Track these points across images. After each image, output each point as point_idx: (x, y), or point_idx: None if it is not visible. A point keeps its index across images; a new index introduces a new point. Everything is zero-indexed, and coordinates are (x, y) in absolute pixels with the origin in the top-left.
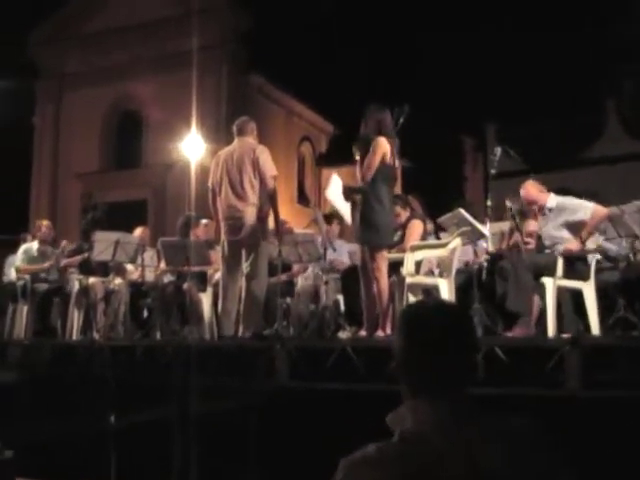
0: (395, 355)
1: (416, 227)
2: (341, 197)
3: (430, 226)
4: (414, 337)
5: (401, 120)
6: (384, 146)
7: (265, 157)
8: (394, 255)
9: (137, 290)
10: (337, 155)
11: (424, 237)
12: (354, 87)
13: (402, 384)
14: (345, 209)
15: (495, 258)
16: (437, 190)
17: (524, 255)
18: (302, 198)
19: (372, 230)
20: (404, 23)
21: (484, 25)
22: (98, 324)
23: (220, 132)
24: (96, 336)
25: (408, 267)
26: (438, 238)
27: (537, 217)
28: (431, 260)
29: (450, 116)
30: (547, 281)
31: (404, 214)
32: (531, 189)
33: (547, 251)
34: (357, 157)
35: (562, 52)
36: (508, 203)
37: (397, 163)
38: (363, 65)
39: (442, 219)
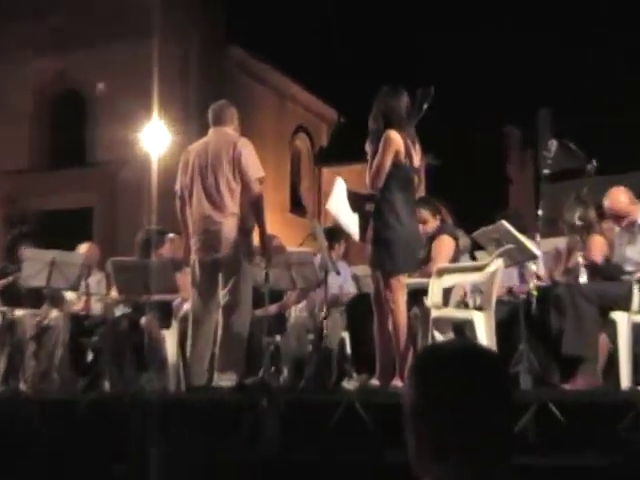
0: (405, 411)
1: (445, 244)
2: (347, 208)
3: (464, 242)
4: (431, 391)
5: (425, 106)
6: (396, 141)
7: (249, 153)
8: (415, 281)
9: (79, 326)
10: (342, 150)
11: (456, 257)
12: (364, 63)
13: (412, 448)
14: (352, 224)
15: (549, 285)
16: (472, 196)
17: (587, 282)
18: (296, 206)
19: (386, 250)
20: None
21: None
22: (26, 371)
23: (190, 120)
24: (22, 386)
25: (434, 296)
26: (473, 258)
27: (604, 233)
28: (464, 287)
29: (490, 100)
30: (619, 316)
31: (433, 222)
32: (621, 199)
33: (623, 278)
34: (369, 155)
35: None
36: (568, 213)
37: (417, 162)
38: (375, 34)
39: (478, 234)
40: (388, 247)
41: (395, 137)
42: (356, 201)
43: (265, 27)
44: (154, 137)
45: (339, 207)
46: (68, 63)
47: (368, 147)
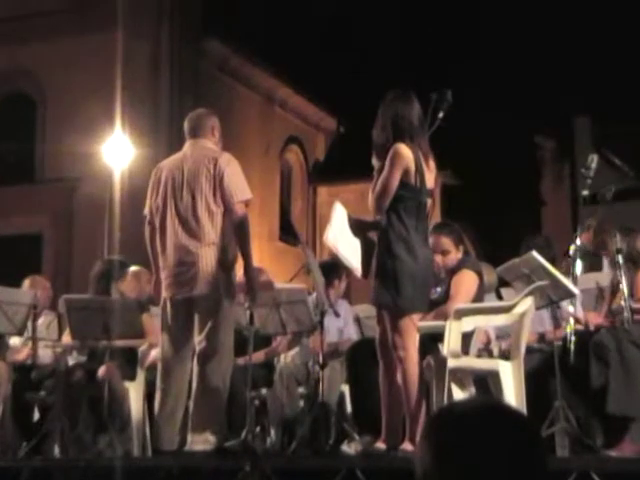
0: None
1: (466, 280)
2: (348, 239)
3: (489, 279)
4: (447, 459)
5: (441, 114)
6: (406, 157)
7: (233, 171)
8: (429, 324)
9: (25, 378)
10: (342, 165)
11: (479, 296)
12: (368, 62)
13: None
14: (354, 257)
15: (588, 330)
16: (497, 221)
17: (636, 326)
18: (287, 232)
19: (393, 285)
20: None
21: None
22: None
23: (159, 131)
24: None
25: (452, 343)
26: (499, 297)
27: None
28: (488, 332)
29: (518, 106)
30: None
31: (455, 254)
32: None
33: None
34: (375, 171)
35: None
36: (611, 243)
37: (431, 181)
38: (384, 30)
39: (504, 268)
40: (395, 282)
41: (405, 152)
42: (359, 229)
43: (250, 18)
44: (117, 150)
45: (338, 239)
46: (15, 60)
47: (375, 162)
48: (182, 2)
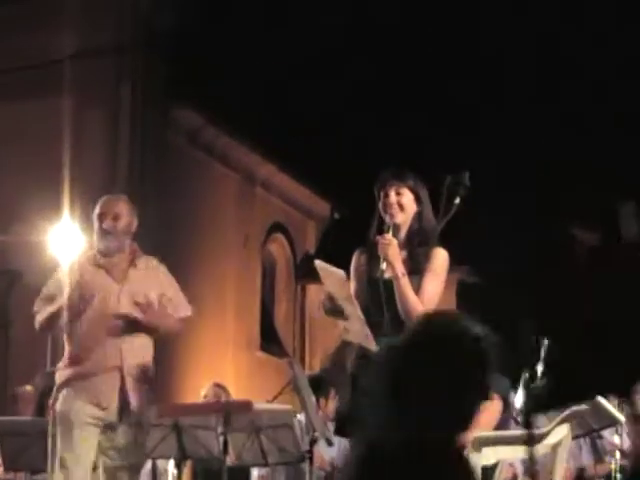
0: None
1: (487, 404)
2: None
3: (512, 398)
4: None
5: (457, 201)
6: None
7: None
8: None
9: None
10: (337, 258)
11: (503, 423)
12: (368, 135)
13: None
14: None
15: (639, 466)
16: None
17: None
18: (269, 340)
19: None
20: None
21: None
22: None
23: None
24: None
25: None
26: (527, 425)
27: None
28: (514, 465)
29: (549, 190)
30: None
31: None
32: None
33: None
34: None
35: None
36: None
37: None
38: (385, 100)
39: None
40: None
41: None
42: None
43: (225, 83)
44: (63, 240)
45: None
46: None
47: (400, 262)
48: (145, 63)
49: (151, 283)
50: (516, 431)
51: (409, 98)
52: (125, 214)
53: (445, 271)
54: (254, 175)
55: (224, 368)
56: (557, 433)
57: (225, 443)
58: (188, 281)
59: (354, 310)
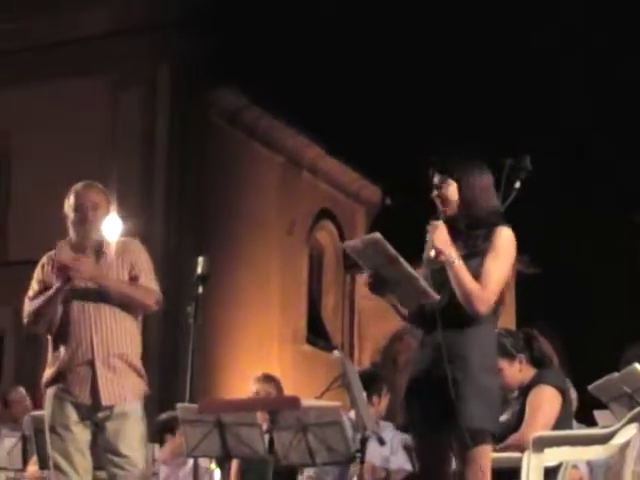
0: None
1: (546, 399)
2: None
3: (574, 396)
4: None
5: (517, 185)
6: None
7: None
8: (501, 455)
9: None
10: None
11: (564, 420)
12: (421, 116)
13: None
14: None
15: None
16: (583, 322)
17: None
18: (316, 333)
19: (485, 407)
20: None
21: None
22: None
23: (154, 199)
24: None
25: None
26: (591, 423)
27: None
28: (578, 468)
29: (614, 176)
30: None
31: (526, 371)
32: None
33: None
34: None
35: None
36: None
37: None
38: (441, 79)
39: (598, 385)
40: (493, 399)
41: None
42: None
43: (269, 62)
44: (105, 225)
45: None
46: None
47: (453, 247)
48: (184, 41)
49: (121, 264)
50: (581, 430)
51: (464, 78)
52: (104, 204)
53: (508, 250)
54: (300, 158)
55: (269, 362)
56: (625, 433)
57: (271, 442)
58: (230, 271)
59: (400, 268)
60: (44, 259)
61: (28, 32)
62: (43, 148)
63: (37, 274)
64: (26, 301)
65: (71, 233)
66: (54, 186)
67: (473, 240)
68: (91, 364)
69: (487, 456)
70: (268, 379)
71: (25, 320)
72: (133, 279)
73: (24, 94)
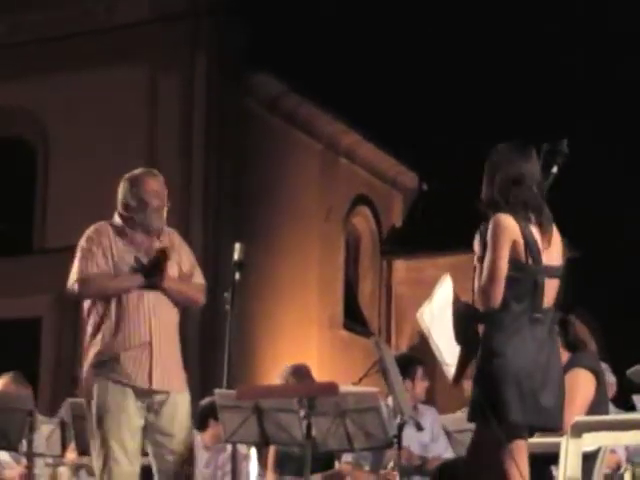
0: None
1: (581, 382)
2: (447, 323)
3: (612, 380)
4: None
5: (554, 170)
6: (509, 227)
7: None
8: (538, 441)
9: None
10: (425, 233)
11: (599, 404)
12: (459, 102)
13: None
14: (449, 351)
15: None
16: (624, 307)
17: None
18: (354, 319)
19: (493, 390)
20: None
21: None
22: None
23: (193, 186)
24: None
25: (569, 467)
26: (630, 408)
27: None
28: (617, 452)
29: None
30: None
31: (561, 355)
32: None
33: None
34: (476, 250)
35: None
36: None
37: (556, 256)
38: (480, 64)
39: (636, 370)
40: (495, 387)
41: (507, 222)
42: (465, 317)
43: (307, 49)
44: None
45: (435, 321)
46: (10, 98)
47: (476, 244)
48: (222, 27)
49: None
50: (619, 415)
51: (501, 64)
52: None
53: (494, 239)
54: (337, 144)
55: (307, 348)
56: None
57: (309, 427)
58: (267, 257)
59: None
60: (92, 232)
61: (68, 20)
62: (81, 135)
63: (89, 242)
64: (82, 263)
65: (140, 219)
66: (92, 173)
67: (484, 236)
68: (149, 348)
69: (512, 449)
70: (296, 373)
71: (78, 285)
72: (181, 272)
73: (63, 81)
